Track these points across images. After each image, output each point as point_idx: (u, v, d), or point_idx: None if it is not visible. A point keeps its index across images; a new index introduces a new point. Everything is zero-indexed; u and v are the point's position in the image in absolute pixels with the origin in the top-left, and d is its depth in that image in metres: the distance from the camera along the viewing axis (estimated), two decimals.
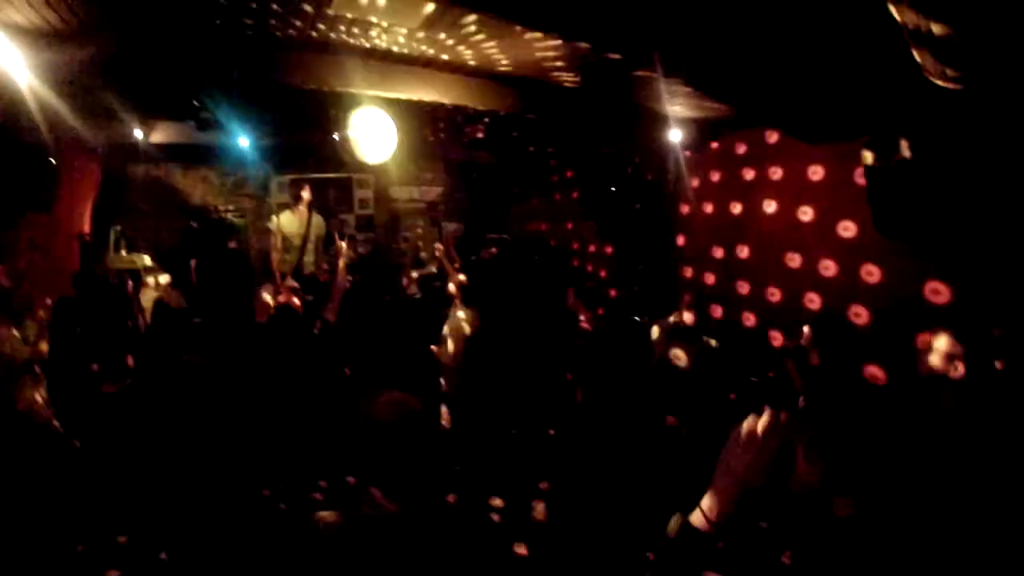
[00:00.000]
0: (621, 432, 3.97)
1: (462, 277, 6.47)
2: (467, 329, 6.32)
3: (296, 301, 6.33)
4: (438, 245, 7.80)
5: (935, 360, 3.50)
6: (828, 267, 5.58)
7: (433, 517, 2.08)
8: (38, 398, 5.29)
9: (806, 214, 5.80)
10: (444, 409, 6.26)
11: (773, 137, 6.17)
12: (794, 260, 5.93)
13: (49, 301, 6.34)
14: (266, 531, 4.94)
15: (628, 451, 3.86)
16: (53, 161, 6.74)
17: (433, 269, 8.32)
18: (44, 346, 5.41)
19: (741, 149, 6.57)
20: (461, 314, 6.35)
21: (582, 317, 5.94)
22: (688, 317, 5.53)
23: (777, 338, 5.88)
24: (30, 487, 4.93)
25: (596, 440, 4.16)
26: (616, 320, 6.30)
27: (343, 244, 7.56)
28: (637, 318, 6.71)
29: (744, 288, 6.47)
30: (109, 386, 6.36)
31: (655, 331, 5.35)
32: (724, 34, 3.88)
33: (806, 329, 4.49)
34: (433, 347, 6.43)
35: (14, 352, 5.11)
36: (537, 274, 8.87)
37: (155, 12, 4.62)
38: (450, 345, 6.29)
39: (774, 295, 6.11)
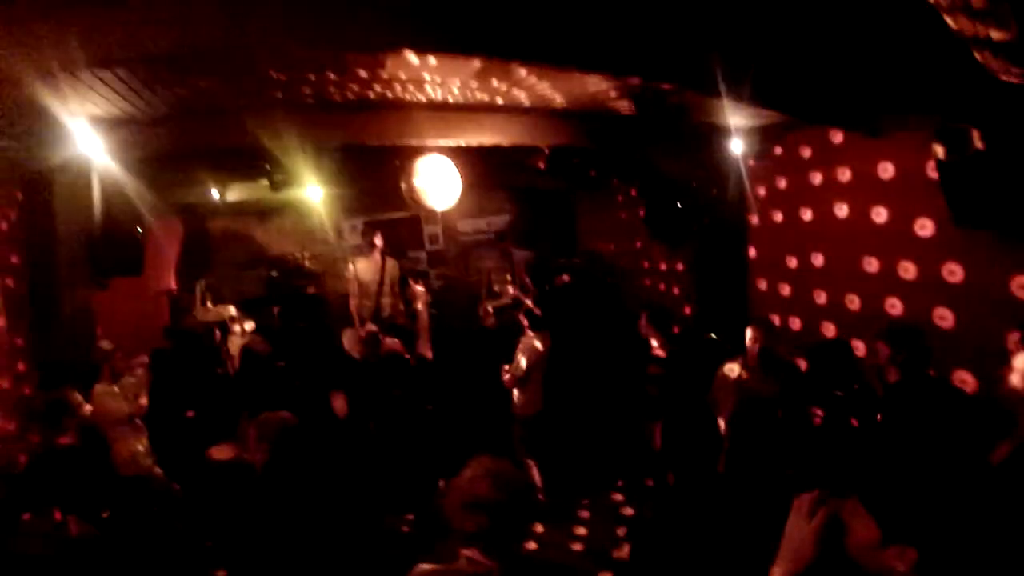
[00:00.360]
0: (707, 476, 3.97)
1: (529, 303, 6.55)
2: (539, 346, 6.44)
3: (393, 343, 6.57)
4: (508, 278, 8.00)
5: None
6: (907, 269, 5.35)
7: (526, 569, 2.16)
8: (140, 448, 5.67)
9: (880, 215, 5.57)
10: (534, 469, 6.32)
11: (838, 136, 5.96)
12: (871, 264, 5.71)
13: (146, 359, 6.78)
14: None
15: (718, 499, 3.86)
16: (139, 229, 7.16)
17: (507, 300, 8.42)
18: (144, 400, 5.79)
19: (806, 152, 6.39)
20: (531, 335, 6.49)
21: (655, 343, 5.87)
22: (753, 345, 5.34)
23: (859, 348, 5.70)
24: (135, 533, 5.27)
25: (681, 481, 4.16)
26: (690, 344, 6.21)
27: (419, 287, 7.78)
28: (713, 335, 6.66)
29: (821, 297, 6.28)
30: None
31: (733, 370, 5.27)
32: (780, 47, 3.87)
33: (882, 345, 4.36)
34: (505, 366, 6.54)
35: (116, 409, 5.49)
36: (608, 298, 8.89)
37: (219, 94, 4.90)
38: (522, 362, 6.40)
39: (853, 302, 5.91)
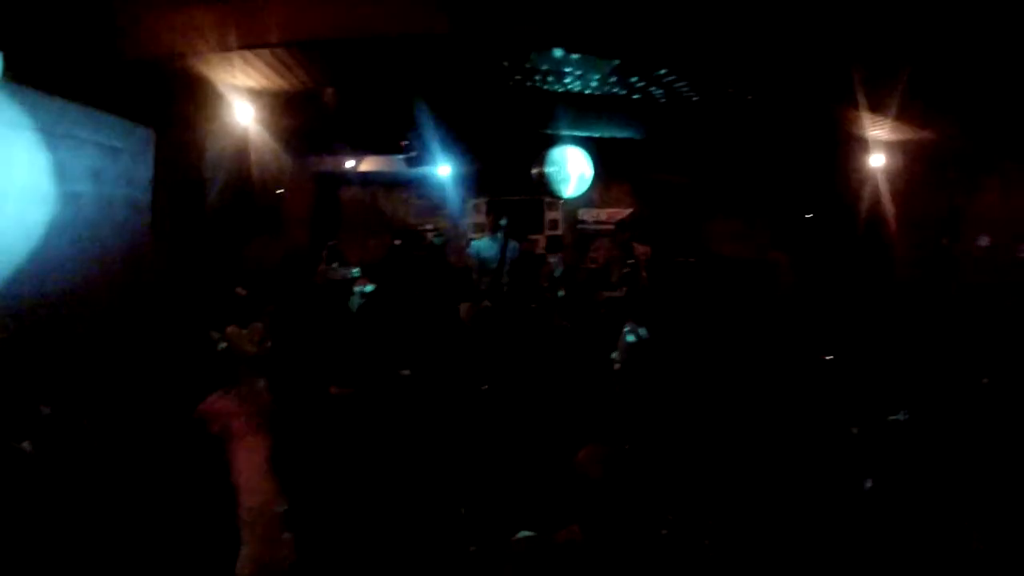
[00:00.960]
0: None
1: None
2: (630, 338, 6.40)
3: None
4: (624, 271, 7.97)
5: None
6: None
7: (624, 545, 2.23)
8: (260, 384, 6.09)
9: None
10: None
11: (987, 156, 5.46)
12: None
13: (272, 308, 7.25)
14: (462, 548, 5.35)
15: None
16: (280, 191, 7.60)
17: (621, 292, 8.38)
18: (268, 344, 6.21)
19: (951, 172, 5.94)
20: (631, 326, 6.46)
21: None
22: None
23: None
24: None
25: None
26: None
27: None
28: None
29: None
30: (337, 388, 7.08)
31: None
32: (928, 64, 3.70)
33: None
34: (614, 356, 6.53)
35: (243, 348, 5.94)
36: (726, 301, 8.69)
37: (370, 79, 5.10)
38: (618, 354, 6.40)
39: None
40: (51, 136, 3.92)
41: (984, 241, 5.55)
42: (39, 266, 3.86)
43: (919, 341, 6.17)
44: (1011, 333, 5.27)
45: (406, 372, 6.78)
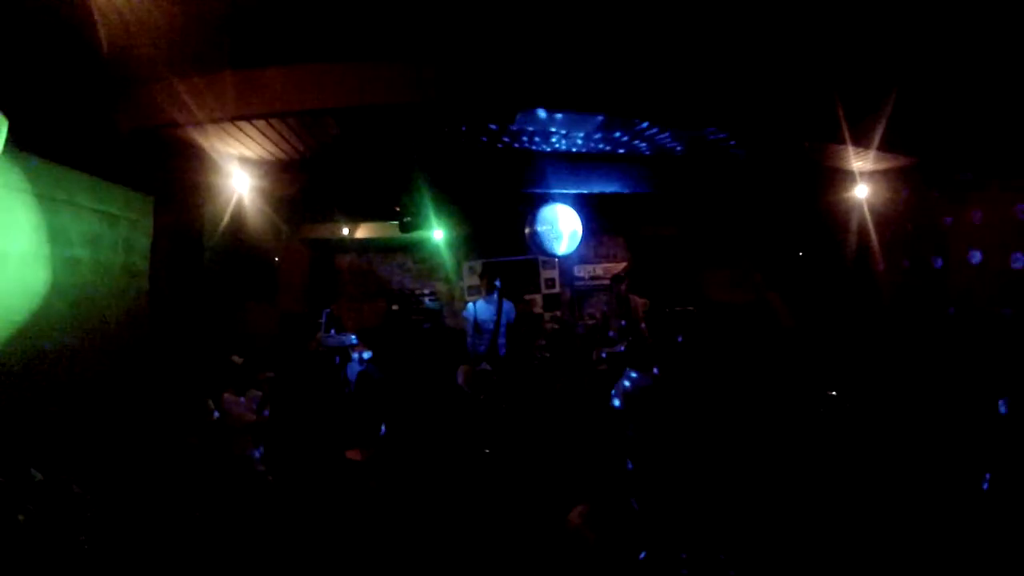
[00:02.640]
0: None
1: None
2: (627, 384, 6.39)
3: None
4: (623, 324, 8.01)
5: None
6: None
7: None
8: (256, 455, 6.07)
9: (1017, 260, 5.19)
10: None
11: (968, 178, 5.62)
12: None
13: (271, 375, 7.28)
14: None
15: None
16: (276, 259, 7.71)
17: (622, 347, 8.42)
18: (266, 412, 6.22)
19: (934, 195, 6.03)
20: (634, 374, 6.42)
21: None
22: None
23: None
24: (234, 523, 5.63)
25: None
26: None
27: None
28: (833, 393, 6.44)
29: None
30: (354, 452, 7.06)
31: None
32: (908, 93, 3.82)
33: None
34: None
35: (240, 416, 5.95)
36: (723, 350, 8.74)
37: (363, 146, 5.26)
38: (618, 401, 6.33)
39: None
40: (52, 202, 4.02)
41: (976, 258, 5.63)
42: (37, 328, 3.91)
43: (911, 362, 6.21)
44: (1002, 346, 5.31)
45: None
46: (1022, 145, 4.64)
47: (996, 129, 4.43)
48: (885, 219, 6.64)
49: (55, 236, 4.06)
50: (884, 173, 6.25)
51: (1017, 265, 5.22)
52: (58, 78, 3.40)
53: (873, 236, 6.74)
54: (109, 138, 4.31)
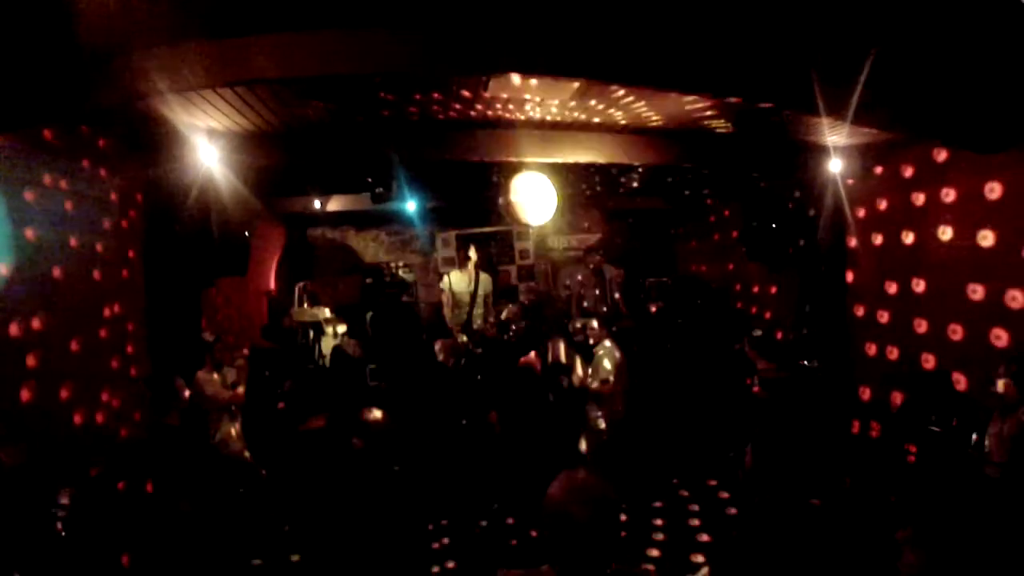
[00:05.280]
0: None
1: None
2: (619, 355, 6.47)
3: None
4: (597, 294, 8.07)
5: None
6: (1016, 298, 5.02)
7: None
8: (232, 432, 6.19)
9: (986, 238, 5.27)
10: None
11: (942, 155, 5.68)
12: (976, 292, 5.39)
13: (246, 351, 7.22)
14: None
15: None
16: (246, 233, 7.60)
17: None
18: (241, 389, 6.25)
19: (908, 172, 6.09)
20: (612, 345, 6.53)
21: (761, 366, 5.68)
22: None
23: (960, 381, 5.40)
24: (219, 507, 5.77)
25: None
26: (786, 368, 6.02)
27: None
28: (806, 363, 6.50)
29: (922, 326, 5.96)
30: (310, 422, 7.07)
31: None
32: (884, 62, 3.80)
33: (1000, 384, 4.11)
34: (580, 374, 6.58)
35: (216, 395, 6.00)
36: (700, 318, 8.81)
37: (331, 112, 5.16)
38: (607, 365, 6.42)
39: (955, 332, 5.59)
40: (12, 178, 3.91)
41: (947, 235, 5.69)
42: (2, 314, 3.82)
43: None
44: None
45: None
46: (995, 123, 4.67)
47: (970, 107, 4.44)
48: (859, 195, 6.68)
49: (18, 216, 3.95)
50: (859, 148, 6.26)
51: (987, 243, 5.27)
52: (24, 52, 3.27)
53: (847, 212, 6.79)
54: (75, 114, 4.19)
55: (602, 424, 6.45)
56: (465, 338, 7.81)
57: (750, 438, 5.53)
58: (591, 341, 6.67)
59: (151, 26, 3.28)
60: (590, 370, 6.47)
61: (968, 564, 1.59)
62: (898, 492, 4.70)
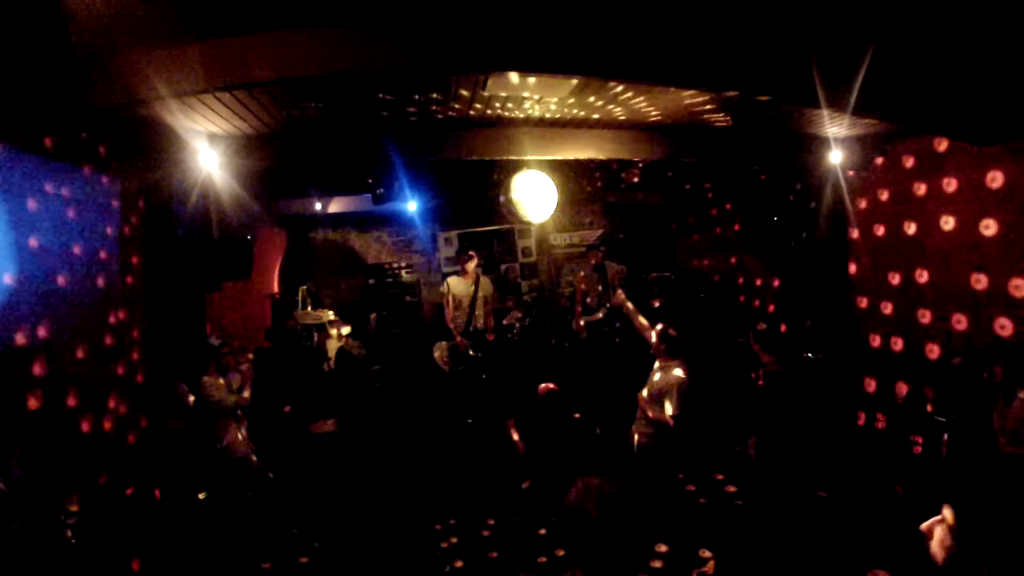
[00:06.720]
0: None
1: (660, 328, 5.85)
2: (682, 375, 5.34)
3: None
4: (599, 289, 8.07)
5: None
6: (1019, 287, 5.04)
7: None
8: (239, 436, 6.18)
9: (989, 227, 5.29)
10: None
11: (942, 145, 5.70)
12: (980, 281, 5.41)
13: (251, 356, 7.23)
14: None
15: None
16: (249, 237, 7.61)
17: (600, 315, 8.45)
18: (247, 393, 6.25)
19: (909, 162, 6.10)
20: (672, 362, 5.47)
21: (765, 359, 5.55)
22: None
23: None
24: (228, 510, 5.75)
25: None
26: (791, 361, 5.95)
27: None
28: (810, 355, 6.49)
29: (925, 317, 5.98)
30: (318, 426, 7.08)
31: None
32: (884, 53, 3.80)
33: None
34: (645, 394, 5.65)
35: (222, 399, 5.98)
36: (707, 314, 8.81)
37: (331, 113, 5.16)
38: (673, 402, 5.27)
39: (960, 323, 5.61)
40: (14, 187, 3.91)
41: (949, 225, 5.68)
42: (7, 321, 3.81)
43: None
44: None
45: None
46: (994, 113, 4.66)
47: (970, 97, 4.44)
48: (860, 187, 6.68)
49: (18, 223, 3.95)
50: (859, 139, 6.26)
51: (989, 232, 5.28)
52: (18, 54, 3.27)
53: (848, 203, 6.80)
54: (72, 118, 4.19)
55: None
56: (465, 341, 7.89)
57: (755, 431, 5.51)
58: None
59: (146, 27, 3.29)
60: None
61: (1000, 546, 1.59)
62: (906, 483, 4.69)
